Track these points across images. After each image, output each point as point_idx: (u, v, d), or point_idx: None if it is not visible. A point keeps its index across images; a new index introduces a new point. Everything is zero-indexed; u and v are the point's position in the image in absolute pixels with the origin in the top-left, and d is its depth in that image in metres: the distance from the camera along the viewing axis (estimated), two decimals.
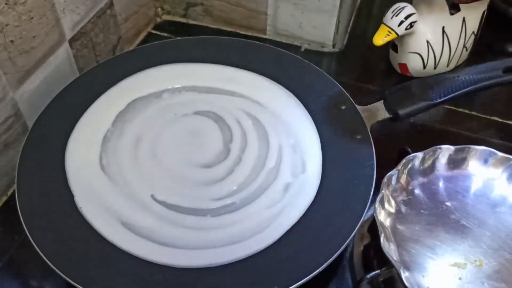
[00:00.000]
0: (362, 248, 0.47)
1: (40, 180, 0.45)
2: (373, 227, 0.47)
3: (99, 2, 0.58)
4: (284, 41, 0.68)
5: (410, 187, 0.48)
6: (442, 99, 0.51)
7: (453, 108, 0.60)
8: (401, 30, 0.56)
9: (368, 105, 0.52)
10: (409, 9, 0.56)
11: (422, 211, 0.46)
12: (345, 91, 0.52)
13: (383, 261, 0.41)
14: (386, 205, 0.46)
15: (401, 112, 0.50)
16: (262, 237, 0.42)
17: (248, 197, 0.45)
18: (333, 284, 0.45)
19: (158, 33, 0.70)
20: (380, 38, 0.56)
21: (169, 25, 0.71)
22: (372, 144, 0.47)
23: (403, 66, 0.62)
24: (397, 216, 0.46)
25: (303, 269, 0.39)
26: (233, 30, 0.70)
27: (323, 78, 0.54)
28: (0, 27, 0.45)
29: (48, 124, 0.49)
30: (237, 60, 0.56)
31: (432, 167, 0.49)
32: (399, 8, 0.56)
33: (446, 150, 0.48)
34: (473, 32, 0.61)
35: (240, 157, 0.48)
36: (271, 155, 0.48)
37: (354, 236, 0.43)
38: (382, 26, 0.56)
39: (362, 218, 0.42)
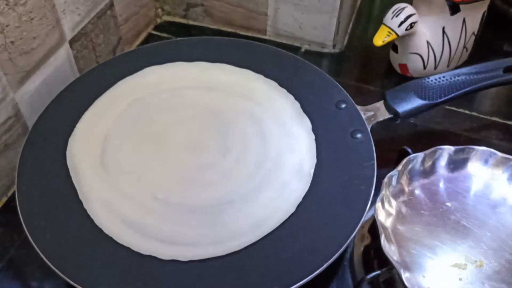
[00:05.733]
0: (362, 248, 0.47)
1: (40, 181, 0.45)
2: (373, 227, 0.47)
3: (99, 3, 0.58)
4: (284, 42, 0.68)
5: (410, 188, 0.48)
6: (442, 99, 0.51)
7: (453, 108, 0.60)
8: (401, 31, 0.56)
9: (369, 106, 0.52)
10: (409, 9, 0.56)
11: (422, 211, 0.46)
12: (345, 91, 0.52)
13: (384, 261, 0.41)
14: (387, 206, 0.46)
15: (401, 112, 0.50)
16: (261, 237, 0.42)
17: (247, 197, 0.45)
18: (333, 285, 0.45)
19: (158, 33, 0.70)
20: (380, 39, 0.56)
21: (169, 26, 0.71)
22: (373, 144, 0.47)
23: (403, 67, 0.62)
24: (398, 216, 0.46)
25: (303, 269, 0.39)
26: (233, 30, 0.70)
27: (323, 78, 0.54)
28: (0, 28, 0.45)
29: (49, 125, 0.49)
30: (237, 60, 0.56)
31: (433, 167, 0.49)
32: (399, 8, 0.56)
33: (446, 151, 0.48)
34: (473, 33, 0.61)
35: (239, 157, 0.48)
36: (270, 155, 0.48)
37: (354, 237, 0.43)
38: (382, 26, 0.56)
39: (363, 219, 0.42)
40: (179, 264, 0.40)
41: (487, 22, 0.61)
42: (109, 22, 0.61)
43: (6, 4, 0.45)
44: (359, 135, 0.48)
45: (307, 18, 0.64)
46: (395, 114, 0.50)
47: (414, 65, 0.61)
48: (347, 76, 0.64)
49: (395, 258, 0.41)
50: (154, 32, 0.70)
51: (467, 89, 0.51)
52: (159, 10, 0.71)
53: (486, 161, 0.49)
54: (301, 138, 0.49)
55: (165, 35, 0.70)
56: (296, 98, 0.53)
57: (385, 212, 0.45)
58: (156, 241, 0.41)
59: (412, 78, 0.60)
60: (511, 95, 0.62)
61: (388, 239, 0.43)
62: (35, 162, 0.46)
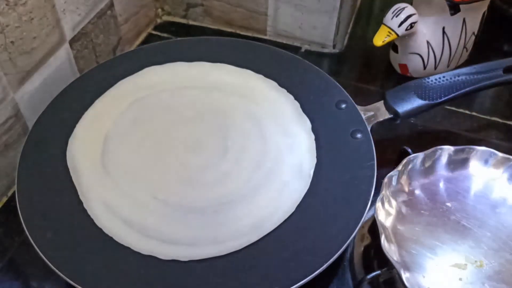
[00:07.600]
0: (362, 248, 0.47)
1: (40, 181, 0.45)
2: (373, 227, 0.47)
3: (100, 3, 0.58)
4: (284, 42, 0.68)
5: (410, 188, 0.48)
6: (442, 99, 0.51)
7: (454, 108, 0.60)
8: (401, 31, 0.56)
9: (369, 106, 0.52)
10: (409, 9, 0.56)
11: (422, 211, 0.46)
12: (345, 91, 0.52)
13: (384, 261, 0.41)
14: (387, 206, 0.46)
15: (401, 112, 0.50)
16: (261, 237, 0.42)
17: (247, 197, 0.45)
18: (333, 285, 0.45)
19: (159, 33, 0.70)
20: (381, 39, 0.56)
21: (170, 26, 0.71)
22: (373, 144, 0.47)
23: (403, 67, 0.62)
24: (398, 216, 0.46)
25: (303, 269, 0.39)
26: (233, 30, 0.70)
27: (323, 78, 0.54)
28: (0, 28, 0.45)
29: (49, 125, 0.49)
30: (237, 60, 0.56)
31: (433, 167, 0.49)
32: (399, 8, 0.56)
33: (446, 151, 0.48)
34: (473, 33, 0.61)
35: (239, 157, 0.48)
36: (270, 155, 0.48)
37: (354, 237, 0.43)
38: (383, 26, 0.56)
39: (363, 219, 0.42)
40: (179, 264, 0.40)
41: (487, 22, 0.61)
42: (109, 22, 0.61)
43: (6, 4, 0.45)
44: (359, 135, 0.48)
45: (307, 18, 0.64)
46: (395, 114, 0.50)
47: (414, 65, 0.61)
48: (347, 76, 0.64)
49: (395, 258, 0.41)
50: (154, 32, 0.70)
51: (467, 89, 0.51)
52: (159, 10, 0.71)
53: (486, 161, 0.49)
54: (301, 138, 0.49)
55: (165, 35, 0.70)
56: (296, 98, 0.53)
57: (385, 212, 0.45)
58: (156, 241, 0.42)
59: (412, 78, 0.60)
60: (511, 95, 0.62)
61: (388, 239, 0.43)
62: (35, 162, 0.46)
